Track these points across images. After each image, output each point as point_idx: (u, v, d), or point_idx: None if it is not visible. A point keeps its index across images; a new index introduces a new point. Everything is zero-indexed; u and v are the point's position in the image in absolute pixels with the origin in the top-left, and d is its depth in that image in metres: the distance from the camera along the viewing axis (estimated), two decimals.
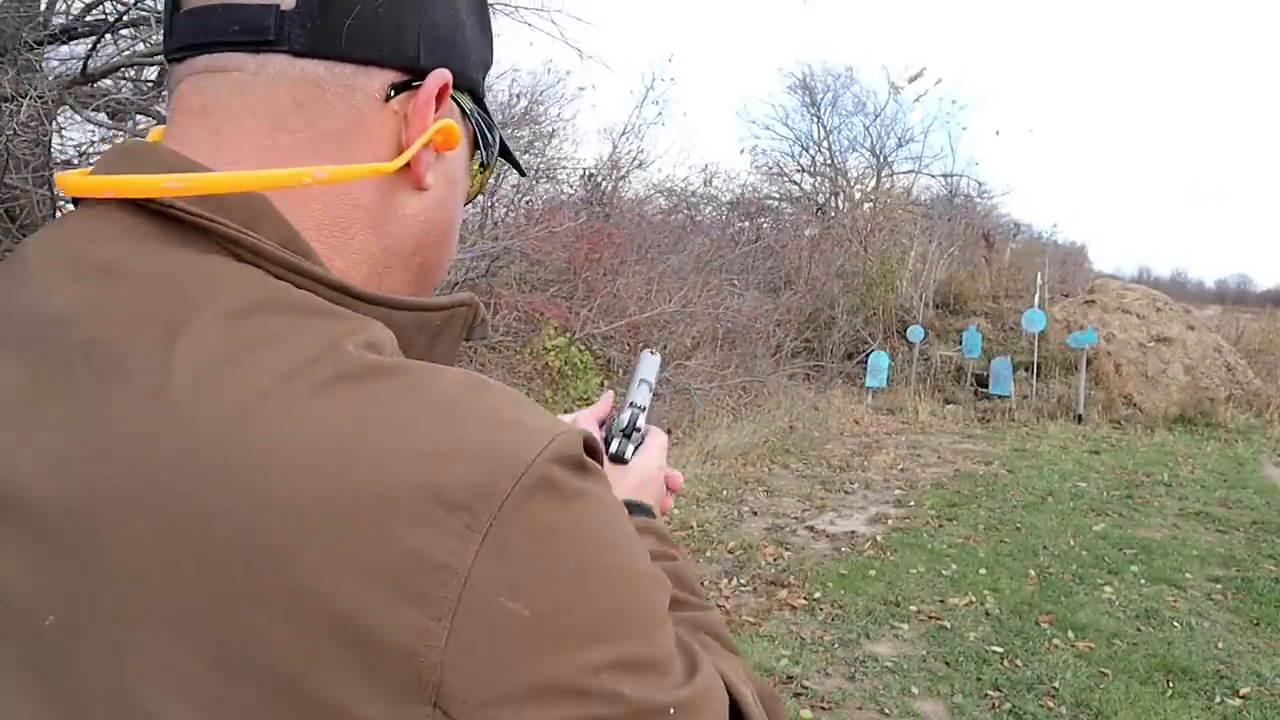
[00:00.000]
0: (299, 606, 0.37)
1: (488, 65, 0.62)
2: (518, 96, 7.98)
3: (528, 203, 8.35)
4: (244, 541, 0.37)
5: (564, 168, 8.85)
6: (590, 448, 0.44)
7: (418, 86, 0.53)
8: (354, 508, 0.38)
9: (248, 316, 0.42)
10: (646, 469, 0.78)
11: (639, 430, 0.76)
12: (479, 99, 0.61)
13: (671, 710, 0.44)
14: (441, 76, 0.53)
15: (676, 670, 0.46)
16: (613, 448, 0.76)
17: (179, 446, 0.39)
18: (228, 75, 0.49)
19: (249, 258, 0.45)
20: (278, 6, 0.48)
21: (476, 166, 0.64)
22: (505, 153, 0.67)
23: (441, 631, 0.38)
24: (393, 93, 0.52)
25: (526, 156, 8.11)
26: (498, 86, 7.70)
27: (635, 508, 0.72)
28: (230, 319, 0.42)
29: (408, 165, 0.53)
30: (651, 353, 0.88)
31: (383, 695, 0.38)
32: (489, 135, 0.62)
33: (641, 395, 0.80)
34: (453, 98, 0.57)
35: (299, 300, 0.45)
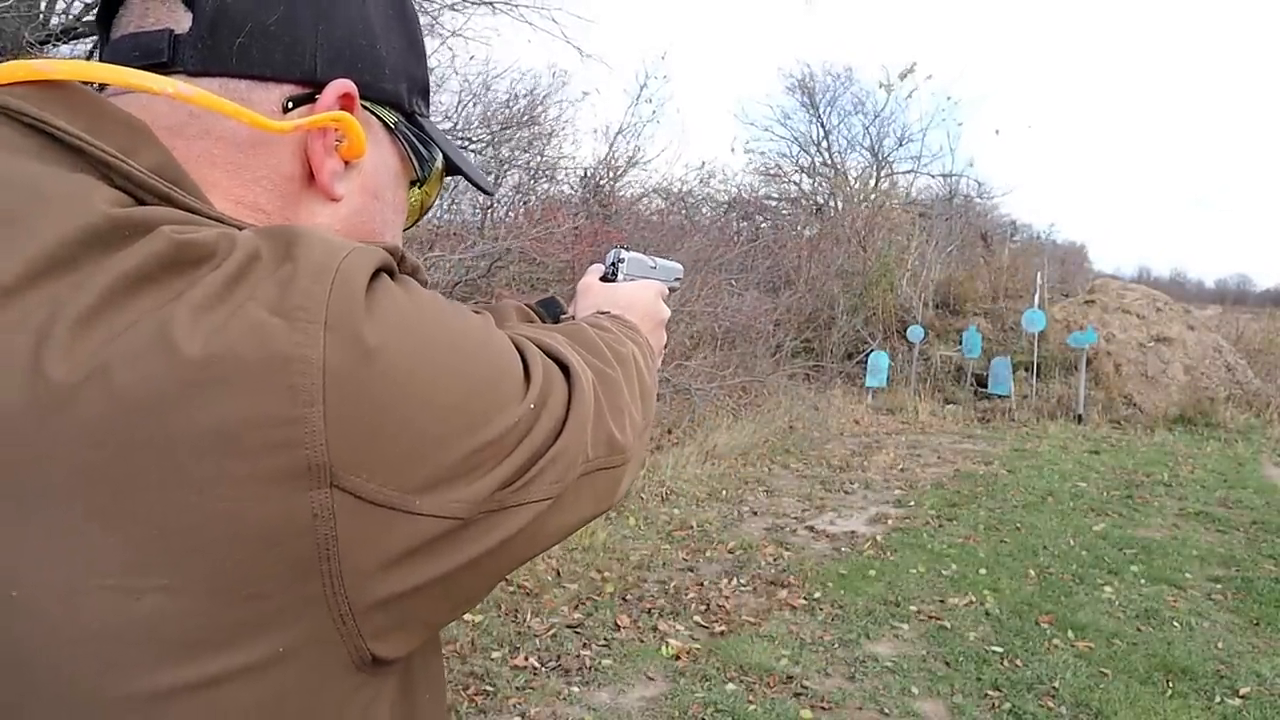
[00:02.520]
0: (178, 449, 0.39)
1: (419, 83, 0.62)
2: (518, 96, 7.96)
3: (527, 203, 8.34)
4: (118, 413, 0.39)
5: (563, 168, 8.85)
6: (392, 259, 0.49)
7: (318, 99, 0.54)
8: (205, 358, 0.39)
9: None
10: (631, 291, 0.88)
11: (621, 262, 0.92)
12: (409, 115, 0.61)
13: (531, 407, 0.50)
14: (340, 86, 0.54)
15: (515, 384, 0.50)
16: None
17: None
18: (135, 95, 0.50)
19: (120, 182, 0.45)
20: (172, 31, 0.51)
21: (413, 185, 0.64)
22: (455, 170, 0.68)
23: (317, 416, 0.41)
24: (291, 105, 0.54)
25: (526, 156, 8.11)
26: (498, 86, 7.71)
27: (600, 314, 0.81)
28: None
29: (314, 177, 0.54)
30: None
31: (279, 491, 0.40)
32: (424, 151, 0.63)
33: (635, 254, 0.95)
34: (370, 110, 0.58)
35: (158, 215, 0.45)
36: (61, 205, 0.42)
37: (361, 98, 0.56)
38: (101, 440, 0.38)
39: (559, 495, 0.52)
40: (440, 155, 0.65)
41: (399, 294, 0.47)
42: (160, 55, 0.51)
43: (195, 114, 0.51)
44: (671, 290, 0.98)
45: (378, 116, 0.59)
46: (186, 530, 0.39)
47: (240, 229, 0.46)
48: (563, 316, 0.91)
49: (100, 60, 0.54)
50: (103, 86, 0.52)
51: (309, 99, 0.54)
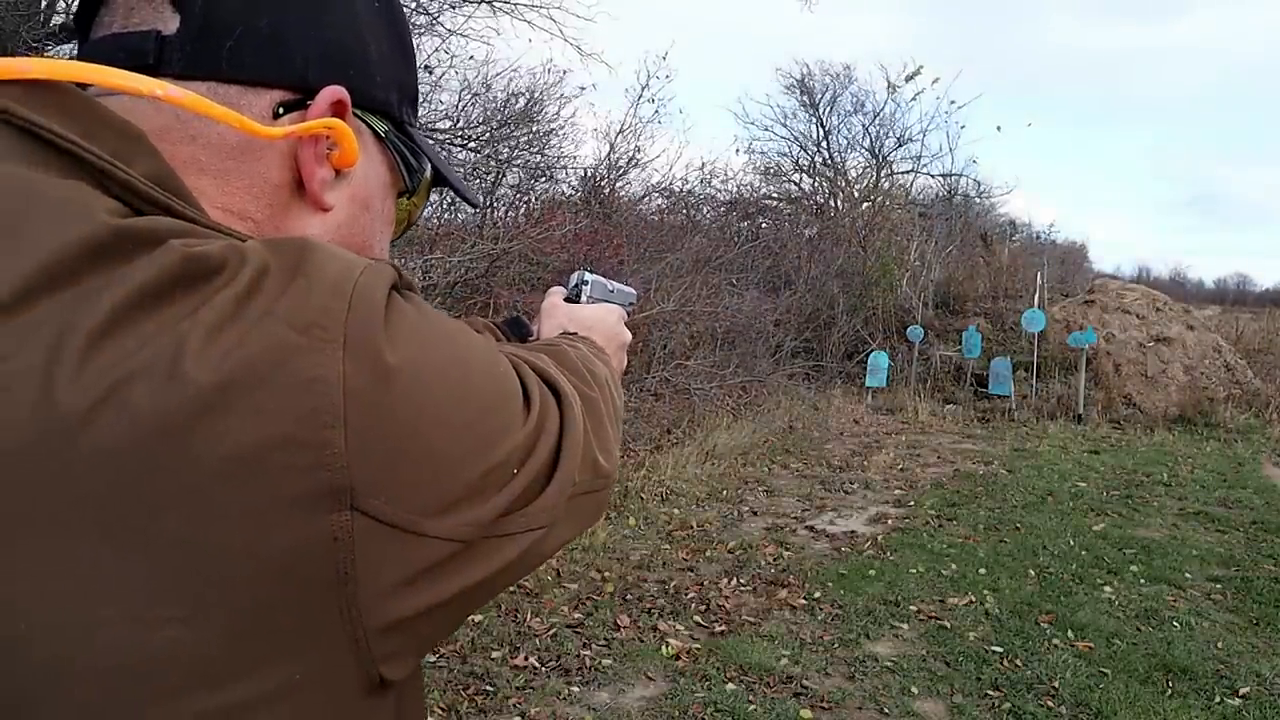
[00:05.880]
0: (199, 474, 0.38)
1: (408, 91, 0.61)
2: (517, 96, 7.94)
3: (527, 203, 8.34)
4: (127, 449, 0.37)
5: (563, 167, 8.83)
6: (399, 276, 0.48)
7: (310, 105, 0.53)
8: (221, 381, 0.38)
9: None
10: (596, 313, 0.89)
11: (585, 284, 0.94)
12: (399, 124, 0.60)
13: (532, 429, 0.50)
14: (333, 93, 0.53)
15: (518, 406, 0.51)
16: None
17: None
18: (118, 98, 0.48)
19: (117, 191, 0.44)
20: (159, 32, 0.50)
21: (401, 196, 0.63)
22: (443, 181, 0.67)
23: (339, 438, 0.40)
24: (281, 111, 0.52)
25: (525, 155, 8.10)
26: (497, 86, 7.69)
27: (567, 335, 0.82)
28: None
29: (303, 186, 0.53)
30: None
31: (301, 515, 0.39)
32: (413, 162, 0.62)
33: (598, 277, 0.97)
34: (361, 119, 0.56)
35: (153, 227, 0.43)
36: (60, 214, 0.40)
37: (353, 105, 0.54)
38: (117, 467, 0.37)
39: (553, 521, 0.52)
40: (429, 166, 0.64)
41: (412, 312, 0.46)
42: (146, 57, 0.49)
43: (182, 118, 0.49)
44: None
45: (368, 125, 0.57)
46: (207, 558, 0.38)
47: (243, 240, 0.45)
48: (529, 338, 0.90)
49: (79, 61, 0.52)
50: (84, 87, 0.50)
51: (300, 105, 0.53)
